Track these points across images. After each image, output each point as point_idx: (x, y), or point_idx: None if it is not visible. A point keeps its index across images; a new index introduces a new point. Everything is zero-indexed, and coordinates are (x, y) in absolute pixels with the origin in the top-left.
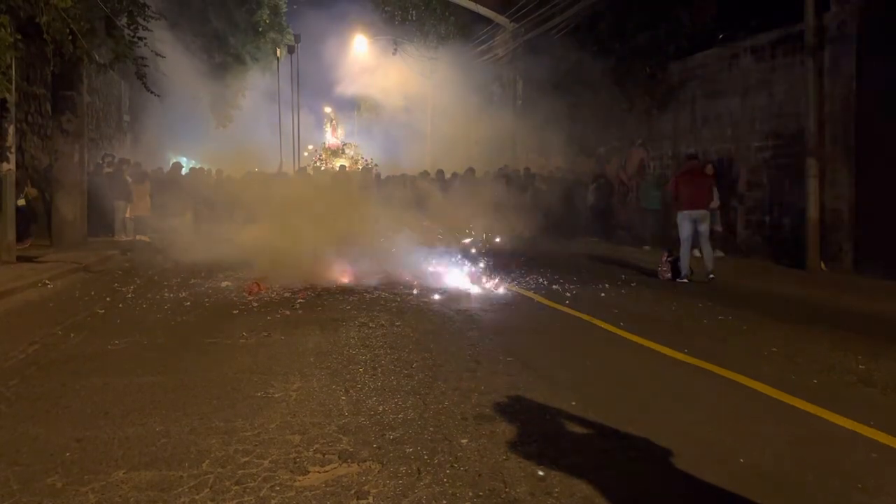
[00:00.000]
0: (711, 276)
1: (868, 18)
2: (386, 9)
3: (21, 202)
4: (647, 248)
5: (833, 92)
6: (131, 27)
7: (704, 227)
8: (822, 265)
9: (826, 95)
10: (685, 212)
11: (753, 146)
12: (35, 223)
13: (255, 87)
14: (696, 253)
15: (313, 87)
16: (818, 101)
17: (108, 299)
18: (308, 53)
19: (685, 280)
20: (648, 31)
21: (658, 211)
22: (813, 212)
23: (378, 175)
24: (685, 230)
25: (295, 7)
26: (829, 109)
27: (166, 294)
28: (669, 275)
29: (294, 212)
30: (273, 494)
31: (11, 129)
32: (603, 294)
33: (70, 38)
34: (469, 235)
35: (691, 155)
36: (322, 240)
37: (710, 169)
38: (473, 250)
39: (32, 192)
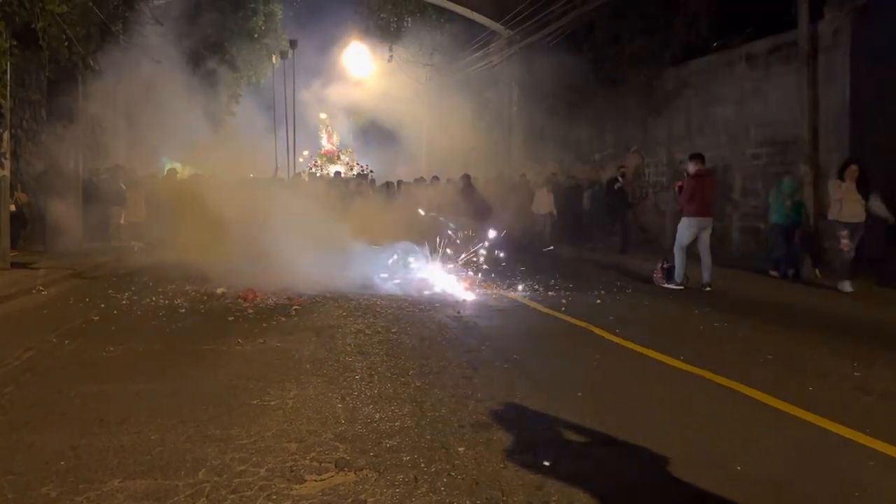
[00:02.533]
0: (708, 287)
1: (861, 26)
2: (381, 16)
3: (11, 208)
4: (773, 273)
5: (827, 99)
6: (126, 33)
7: (707, 236)
8: (818, 272)
9: (820, 103)
10: (695, 218)
11: (748, 153)
12: (25, 229)
13: (250, 93)
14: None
15: (309, 93)
16: (812, 108)
17: (102, 306)
18: (303, 60)
19: (681, 286)
20: (644, 38)
21: (783, 227)
22: (808, 219)
23: (373, 181)
24: (686, 237)
25: (290, 14)
26: (823, 117)
27: (161, 300)
28: (665, 282)
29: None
30: (269, 503)
31: (6, 135)
32: (599, 301)
33: (66, 43)
34: (465, 240)
35: (698, 156)
36: (321, 243)
37: (854, 172)
38: (470, 255)
39: (23, 197)
